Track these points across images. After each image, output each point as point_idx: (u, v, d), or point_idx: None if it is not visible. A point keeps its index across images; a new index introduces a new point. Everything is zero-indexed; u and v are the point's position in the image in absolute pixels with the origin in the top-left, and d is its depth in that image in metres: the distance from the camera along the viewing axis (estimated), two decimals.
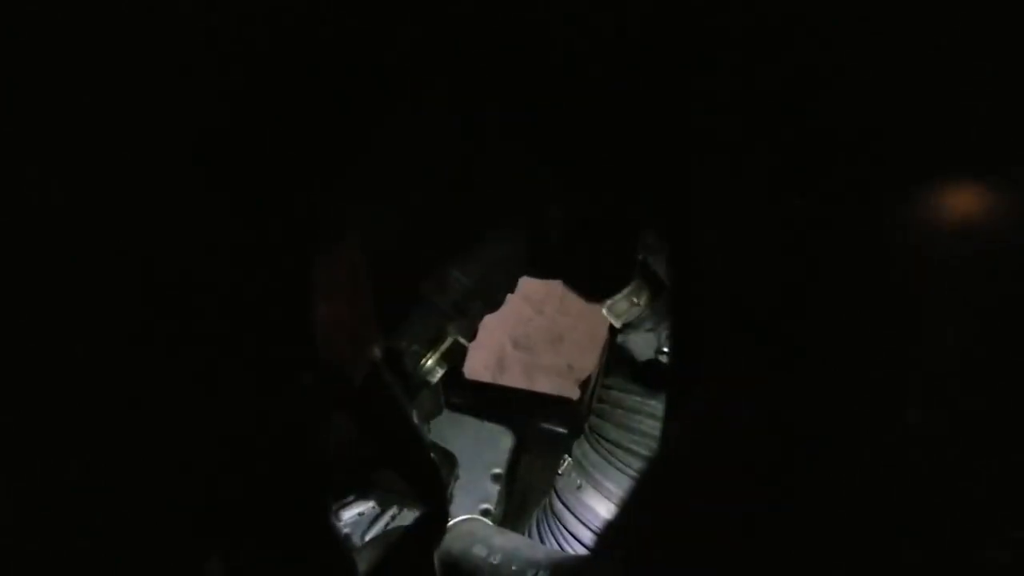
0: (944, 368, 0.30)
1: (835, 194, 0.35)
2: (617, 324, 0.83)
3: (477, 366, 1.90)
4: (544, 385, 1.87)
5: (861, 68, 0.36)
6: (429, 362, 0.78)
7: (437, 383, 0.81)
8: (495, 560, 0.66)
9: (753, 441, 0.38)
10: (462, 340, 0.81)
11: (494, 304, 0.98)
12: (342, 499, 0.88)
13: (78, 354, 0.43)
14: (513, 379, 1.97)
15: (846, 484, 0.34)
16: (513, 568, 0.65)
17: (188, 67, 0.43)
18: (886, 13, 0.34)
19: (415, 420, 0.72)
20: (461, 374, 1.27)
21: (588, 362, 1.05)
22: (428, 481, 0.57)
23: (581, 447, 0.89)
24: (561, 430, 1.14)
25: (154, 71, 0.42)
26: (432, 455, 0.96)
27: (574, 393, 1.26)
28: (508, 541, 0.71)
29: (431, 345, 0.78)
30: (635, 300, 0.81)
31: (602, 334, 0.97)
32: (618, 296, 0.80)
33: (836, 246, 0.34)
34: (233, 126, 0.47)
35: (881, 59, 0.35)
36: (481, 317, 0.97)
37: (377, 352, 0.62)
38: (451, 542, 0.71)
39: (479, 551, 0.68)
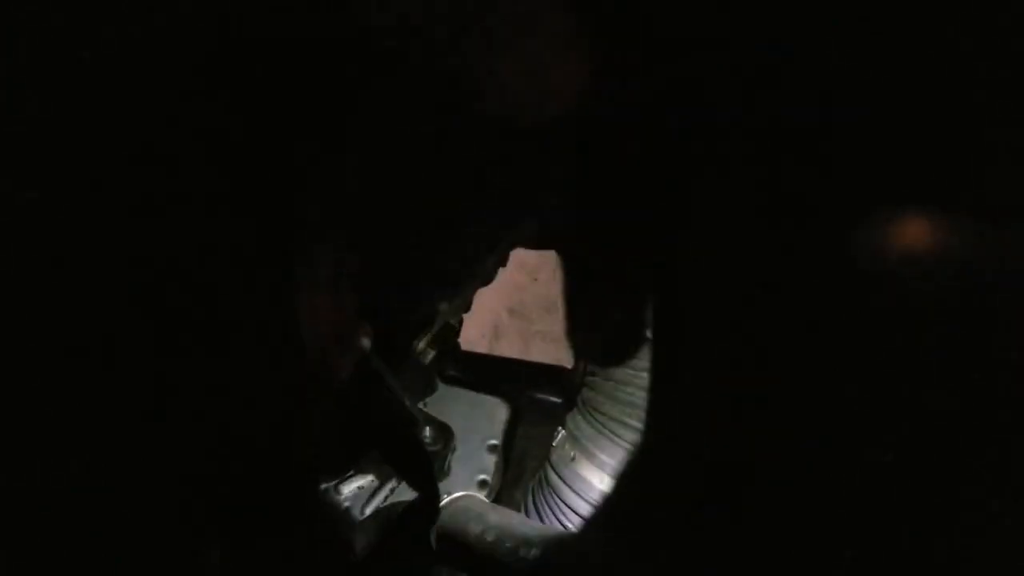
0: (915, 379, 0.30)
1: (821, 220, 0.36)
2: None
3: (473, 334, 1.92)
4: (540, 352, 1.88)
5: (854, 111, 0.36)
6: (420, 345, 0.78)
7: (430, 364, 0.82)
8: (489, 537, 0.68)
9: (731, 433, 0.38)
10: (453, 323, 0.81)
11: (486, 279, 0.97)
12: (341, 473, 0.90)
13: (77, 354, 0.43)
14: (509, 346, 1.99)
15: (815, 478, 0.35)
16: (507, 545, 0.66)
17: (175, 63, 0.43)
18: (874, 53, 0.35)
19: (407, 404, 0.73)
20: (456, 345, 1.28)
21: None
22: (418, 470, 0.58)
23: (574, 419, 0.90)
24: (556, 400, 1.16)
25: (141, 65, 0.42)
26: (428, 428, 0.97)
27: (569, 360, 1.26)
28: (502, 518, 0.72)
29: (422, 327, 0.79)
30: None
31: None
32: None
33: (814, 265, 0.35)
34: (222, 122, 0.47)
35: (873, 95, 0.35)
36: (474, 292, 0.97)
37: (366, 342, 0.62)
38: (446, 519, 0.72)
39: (474, 528, 0.69)
